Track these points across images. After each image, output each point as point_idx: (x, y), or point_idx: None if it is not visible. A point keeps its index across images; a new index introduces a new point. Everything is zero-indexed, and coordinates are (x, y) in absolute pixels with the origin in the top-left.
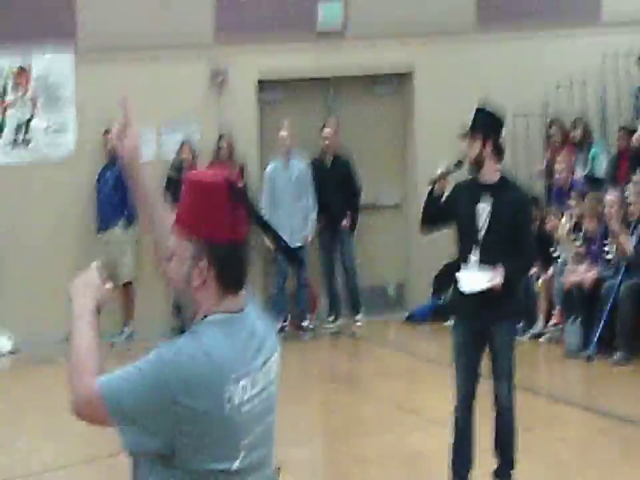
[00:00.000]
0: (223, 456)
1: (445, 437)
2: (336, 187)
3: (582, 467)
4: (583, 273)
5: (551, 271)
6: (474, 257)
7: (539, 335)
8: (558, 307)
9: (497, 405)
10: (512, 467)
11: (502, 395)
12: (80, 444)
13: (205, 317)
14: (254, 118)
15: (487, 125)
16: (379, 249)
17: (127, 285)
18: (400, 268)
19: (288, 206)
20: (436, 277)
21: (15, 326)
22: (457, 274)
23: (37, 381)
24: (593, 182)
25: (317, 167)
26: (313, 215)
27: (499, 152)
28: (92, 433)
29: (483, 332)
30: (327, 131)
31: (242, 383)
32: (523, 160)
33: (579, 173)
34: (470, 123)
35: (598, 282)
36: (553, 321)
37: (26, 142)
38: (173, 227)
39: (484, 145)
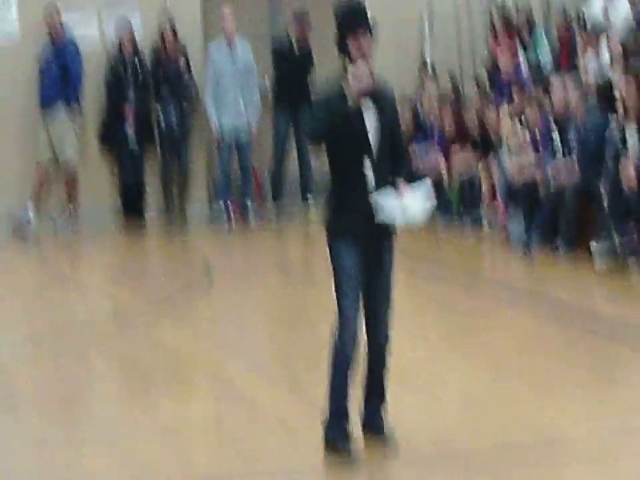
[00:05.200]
0: None
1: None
2: (300, 74)
3: (527, 353)
4: (526, 167)
5: (491, 158)
6: (368, 171)
7: (480, 220)
8: (501, 200)
9: (372, 328)
10: (384, 400)
11: (381, 319)
12: None
13: None
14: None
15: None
16: None
17: (71, 175)
18: None
19: (233, 91)
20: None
21: None
22: (375, 199)
23: None
24: (537, 70)
25: (284, 51)
26: (258, 102)
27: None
28: None
29: (367, 251)
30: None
31: None
32: (467, 47)
33: (522, 61)
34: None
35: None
36: (497, 213)
37: None
38: None
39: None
